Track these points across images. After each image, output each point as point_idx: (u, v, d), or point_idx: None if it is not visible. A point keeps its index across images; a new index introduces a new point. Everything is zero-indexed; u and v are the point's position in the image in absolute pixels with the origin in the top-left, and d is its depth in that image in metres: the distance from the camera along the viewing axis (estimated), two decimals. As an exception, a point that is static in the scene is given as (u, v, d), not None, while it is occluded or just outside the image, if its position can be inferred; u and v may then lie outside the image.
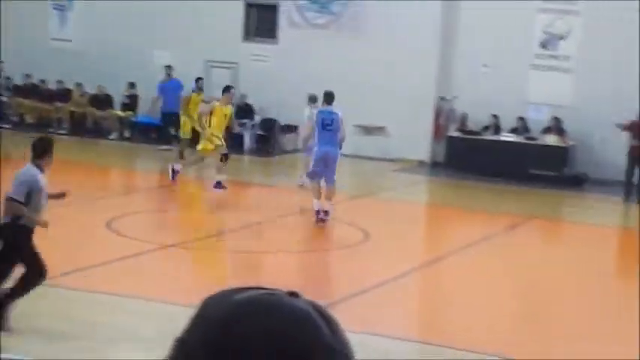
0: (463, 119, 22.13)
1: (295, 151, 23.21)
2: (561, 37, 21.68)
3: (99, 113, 23.74)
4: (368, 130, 22.00)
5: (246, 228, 13.43)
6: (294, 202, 15.43)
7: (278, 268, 11.17)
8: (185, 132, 19.74)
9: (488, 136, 21.46)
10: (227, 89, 16.39)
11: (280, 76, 22.97)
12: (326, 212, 13.50)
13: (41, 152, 8.03)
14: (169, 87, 21.65)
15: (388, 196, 17.46)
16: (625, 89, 20.17)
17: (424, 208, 17.22)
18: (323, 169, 13.68)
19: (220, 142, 15.62)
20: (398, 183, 19.30)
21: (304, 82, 22.89)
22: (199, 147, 15.90)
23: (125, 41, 23.53)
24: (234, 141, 20.78)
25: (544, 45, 21.82)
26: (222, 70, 23.27)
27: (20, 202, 7.90)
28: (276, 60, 23.28)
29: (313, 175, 13.87)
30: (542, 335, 9.10)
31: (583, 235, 13.32)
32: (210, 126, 15.55)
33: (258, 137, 23.29)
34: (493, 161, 20.40)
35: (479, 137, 21.42)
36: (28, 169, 8.05)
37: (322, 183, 13.73)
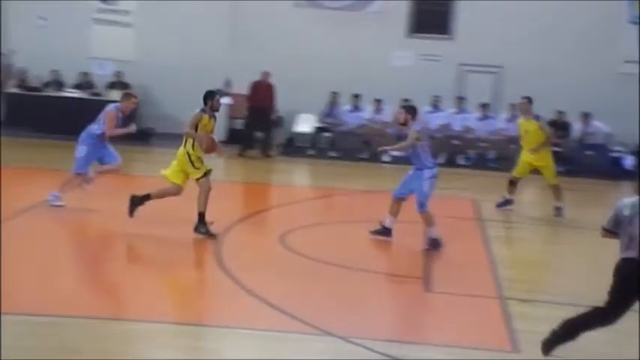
0: (22, 75, 21.26)
1: None
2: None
3: None
4: None
5: None
6: None
7: None
8: None
9: (51, 92, 20.89)
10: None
11: None
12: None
13: None
14: None
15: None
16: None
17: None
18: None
19: None
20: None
21: None
22: None
23: None
24: None
25: (105, -1, 21.69)
26: None
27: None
28: None
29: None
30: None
31: (152, 187, 13.48)
32: None
33: None
34: (59, 118, 19.89)
35: (41, 94, 20.78)
36: None
37: None
